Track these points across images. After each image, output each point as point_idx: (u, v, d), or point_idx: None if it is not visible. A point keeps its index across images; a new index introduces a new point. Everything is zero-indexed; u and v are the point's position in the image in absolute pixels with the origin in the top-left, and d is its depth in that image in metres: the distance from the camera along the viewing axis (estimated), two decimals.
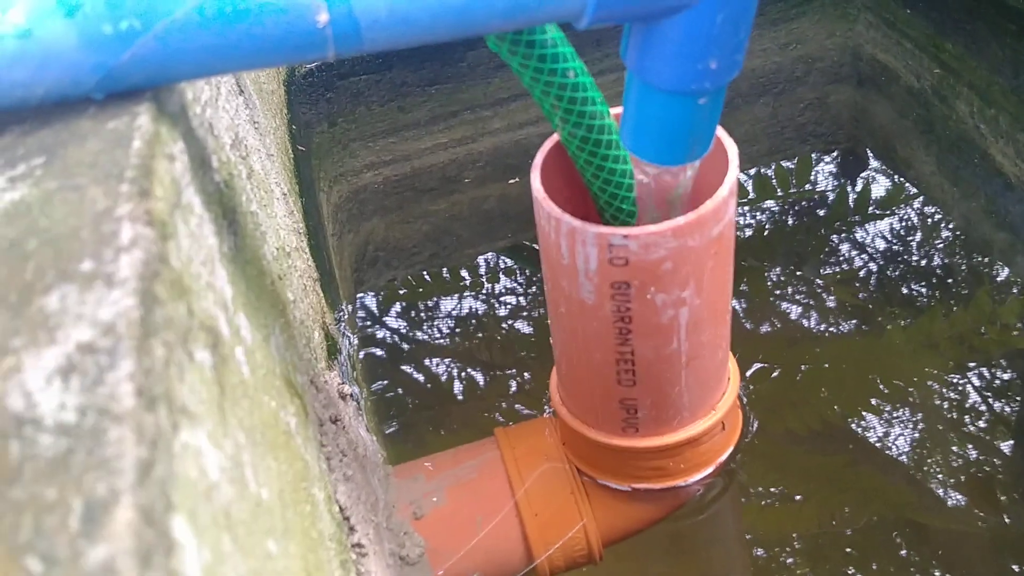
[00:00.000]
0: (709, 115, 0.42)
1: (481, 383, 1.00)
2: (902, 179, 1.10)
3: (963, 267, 0.99)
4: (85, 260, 0.27)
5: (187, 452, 0.23)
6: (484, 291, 1.12)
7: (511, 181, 1.15)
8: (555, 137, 0.52)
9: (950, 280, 0.98)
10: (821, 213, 1.11)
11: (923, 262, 1.01)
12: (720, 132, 0.49)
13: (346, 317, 0.88)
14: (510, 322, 1.07)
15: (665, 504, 0.59)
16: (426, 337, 1.06)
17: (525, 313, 1.08)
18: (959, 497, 0.80)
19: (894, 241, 1.04)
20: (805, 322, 0.99)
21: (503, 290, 1.12)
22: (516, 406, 0.98)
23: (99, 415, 0.21)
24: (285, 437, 0.40)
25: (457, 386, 1.01)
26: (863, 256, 1.04)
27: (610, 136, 0.50)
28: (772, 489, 0.83)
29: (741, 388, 0.62)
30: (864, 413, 0.88)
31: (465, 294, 1.12)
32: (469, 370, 1.02)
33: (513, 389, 1.00)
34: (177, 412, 0.24)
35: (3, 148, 0.34)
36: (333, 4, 0.35)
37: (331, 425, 0.54)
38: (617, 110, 0.50)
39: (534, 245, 1.13)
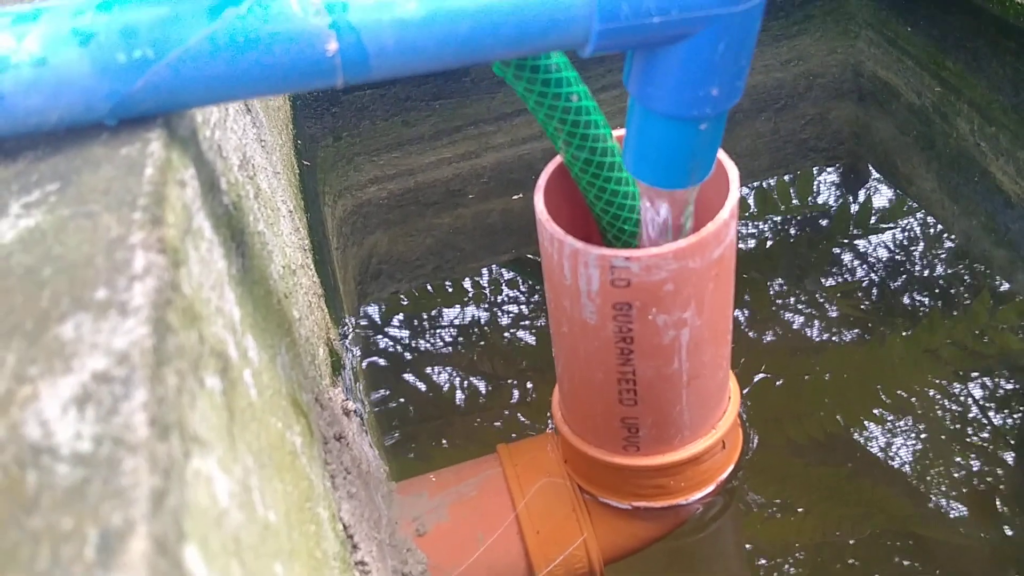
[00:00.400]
0: (710, 140, 0.43)
1: (483, 394, 1.01)
2: (903, 194, 1.11)
3: (964, 279, 0.99)
4: (99, 288, 0.28)
5: (198, 480, 0.24)
6: (486, 303, 1.12)
7: (515, 197, 1.16)
8: (558, 159, 0.53)
9: (951, 291, 0.98)
10: (822, 226, 1.12)
11: (924, 275, 1.01)
12: (721, 155, 0.49)
13: (351, 333, 0.88)
14: (513, 333, 1.08)
15: (666, 522, 0.60)
16: (429, 348, 1.07)
17: (527, 324, 1.09)
18: (961, 509, 0.80)
19: (895, 254, 1.04)
20: (807, 333, 0.99)
21: (505, 301, 1.13)
22: (518, 417, 0.98)
23: (114, 445, 0.22)
24: (291, 457, 0.40)
25: (459, 397, 1.01)
26: (864, 269, 1.04)
27: (612, 159, 0.51)
28: (774, 500, 0.83)
29: (742, 403, 0.62)
30: (866, 423, 0.88)
31: (468, 306, 1.13)
32: (471, 381, 1.02)
33: (515, 400, 1.00)
34: (189, 440, 0.24)
35: (18, 174, 0.34)
36: (342, 33, 0.35)
37: (335, 443, 0.54)
38: (619, 132, 0.51)
39: (536, 258, 1.14)
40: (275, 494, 0.33)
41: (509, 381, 1.02)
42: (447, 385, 1.03)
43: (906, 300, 0.99)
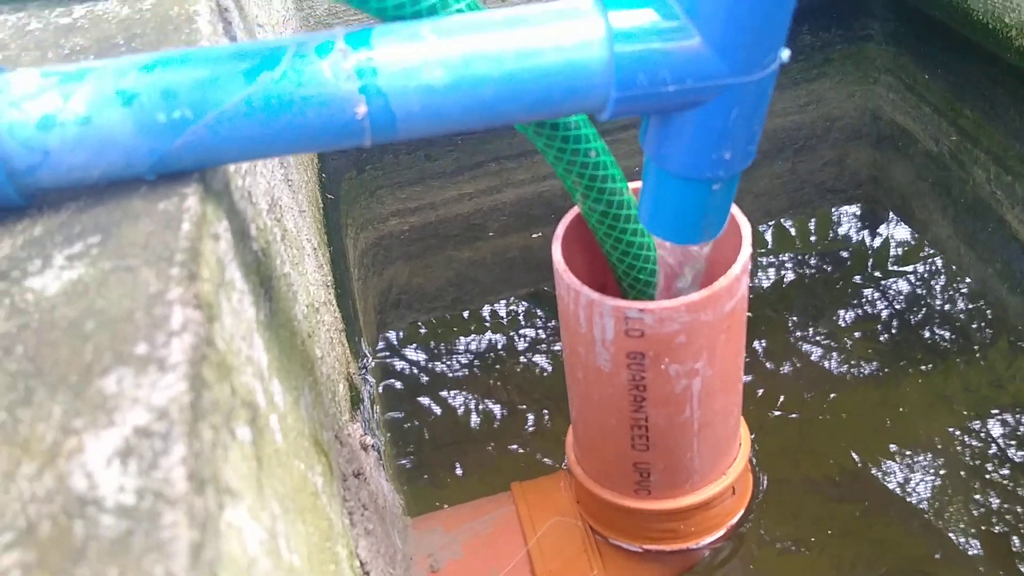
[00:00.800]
0: (723, 200, 0.44)
1: (499, 421, 1.02)
2: (920, 237, 1.12)
3: (982, 324, 1.00)
4: (139, 343, 0.29)
5: (231, 531, 0.26)
6: (504, 332, 1.14)
7: (534, 235, 1.17)
8: (575, 209, 0.55)
9: (967, 335, 0.99)
10: (839, 266, 1.13)
11: (940, 318, 1.02)
12: (735, 210, 0.51)
13: (370, 365, 0.90)
14: (529, 362, 1.09)
15: (675, 566, 0.61)
16: (445, 374, 1.08)
17: (544, 354, 1.10)
18: (977, 548, 0.80)
19: (912, 295, 1.05)
20: (823, 372, 1.00)
21: (523, 331, 1.14)
22: (533, 445, 0.99)
23: (155, 499, 0.24)
24: (312, 498, 0.42)
25: (475, 423, 1.02)
26: (881, 309, 1.05)
27: (628, 211, 0.52)
28: (788, 536, 0.84)
29: (755, 442, 0.63)
30: (882, 460, 0.88)
31: (485, 334, 1.14)
32: (487, 408, 1.03)
33: (530, 429, 1.01)
34: (223, 492, 0.26)
35: (61, 225, 0.36)
36: (371, 98, 0.37)
37: (354, 479, 0.56)
38: (635, 184, 0.53)
39: (554, 291, 1.15)
40: (298, 537, 0.35)
41: (523, 408, 1.03)
42: (462, 411, 1.04)
43: (922, 342, 1.00)
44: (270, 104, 0.37)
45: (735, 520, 0.60)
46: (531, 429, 1.00)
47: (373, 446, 0.68)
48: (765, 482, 0.70)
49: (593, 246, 0.56)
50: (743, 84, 0.40)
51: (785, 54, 0.40)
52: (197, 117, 0.36)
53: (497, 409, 1.03)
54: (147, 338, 0.29)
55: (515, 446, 0.98)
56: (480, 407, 1.03)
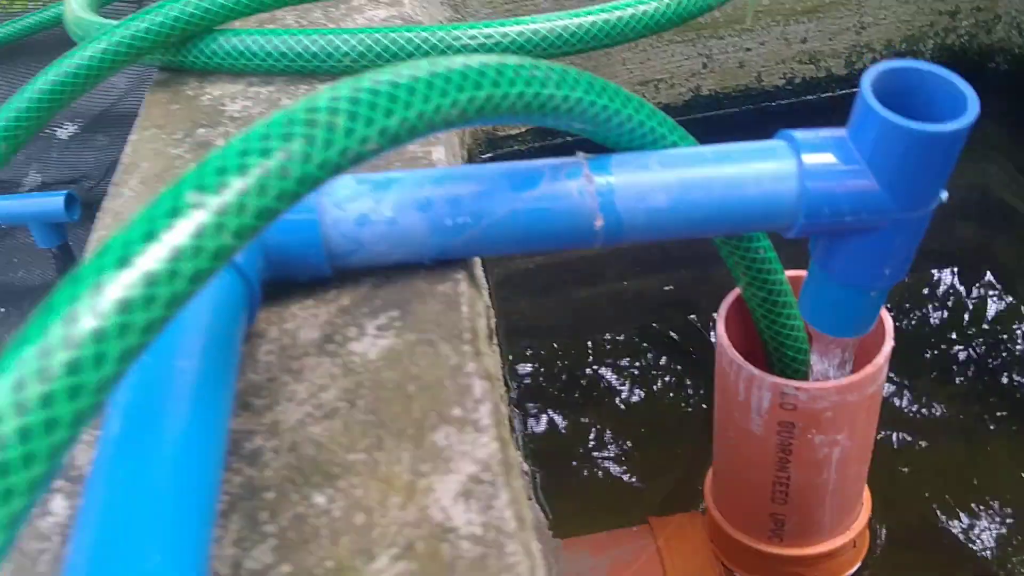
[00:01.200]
0: (876, 304, 0.53)
1: (599, 450, 1.09)
2: (1018, 307, 1.17)
3: None
4: (454, 407, 0.39)
5: (534, 558, 0.35)
6: (609, 363, 1.22)
7: (666, 287, 1.26)
8: (736, 291, 0.64)
9: None
10: (934, 324, 1.18)
11: None
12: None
13: (515, 396, 0.99)
14: (628, 394, 1.17)
15: None
16: (548, 397, 1.16)
17: (643, 389, 1.18)
18: None
19: (1005, 357, 1.10)
20: (910, 423, 1.05)
21: (627, 365, 1.22)
22: (625, 472, 1.06)
23: (497, 532, 0.33)
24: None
25: (572, 449, 1.10)
26: (971, 368, 1.10)
27: (785, 299, 0.61)
28: None
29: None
30: (963, 515, 0.94)
31: (590, 364, 1.22)
32: (585, 435, 1.11)
33: (625, 457, 1.08)
34: (529, 528, 0.36)
35: (364, 298, 0.47)
36: (607, 214, 0.47)
37: None
38: (791, 272, 0.61)
39: (661, 328, 1.23)
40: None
41: (620, 440, 1.10)
42: (561, 435, 1.12)
43: (1011, 400, 1.05)
44: (530, 215, 0.46)
45: (852, 571, 0.68)
46: (624, 458, 1.07)
47: (526, 472, 0.78)
48: (883, 536, 0.77)
49: (748, 321, 0.64)
50: (908, 218, 0.48)
51: (944, 195, 0.48)
52: (475, 223, 0.46)
53: (596, 438, 1.11)
54: (459, 403, 0.39)
55: (605, 472, 1.06)
56: (577, 433, 1.11)
